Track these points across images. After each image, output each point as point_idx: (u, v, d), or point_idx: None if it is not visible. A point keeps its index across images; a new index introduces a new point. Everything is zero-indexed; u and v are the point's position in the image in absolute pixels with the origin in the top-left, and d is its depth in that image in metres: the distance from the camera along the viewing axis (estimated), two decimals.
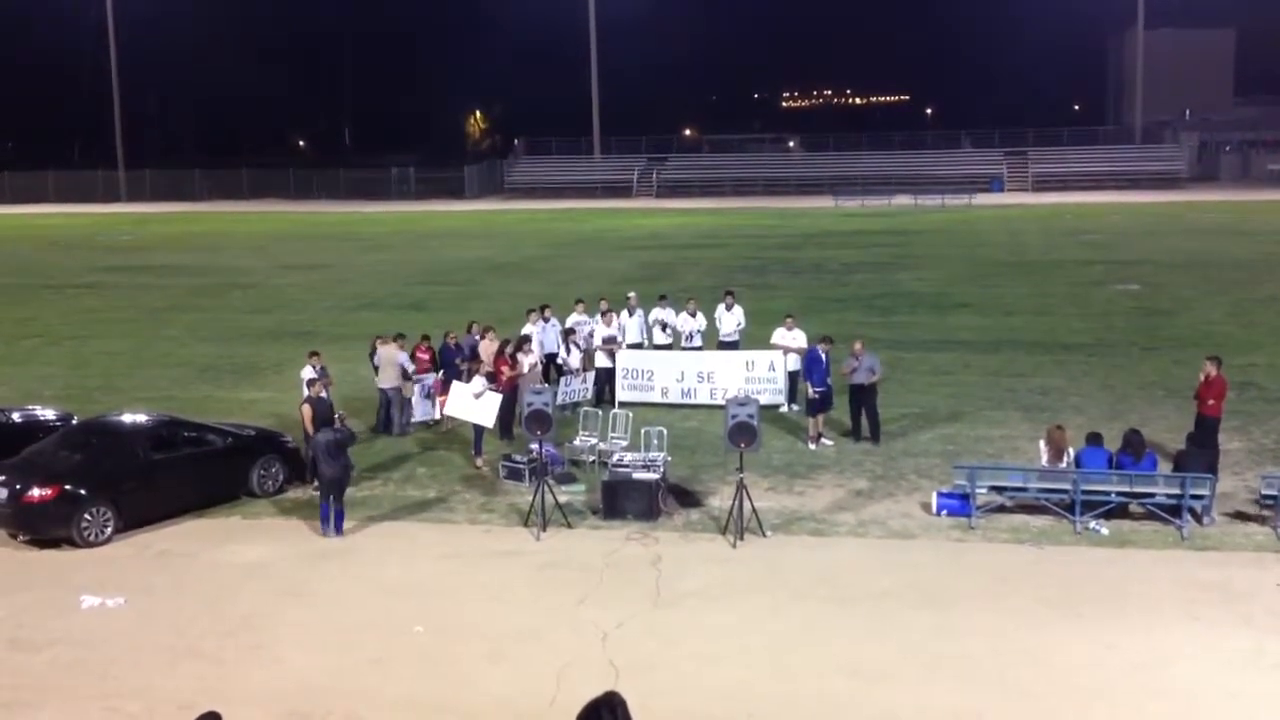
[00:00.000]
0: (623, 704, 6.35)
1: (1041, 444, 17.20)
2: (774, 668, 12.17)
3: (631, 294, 25.43)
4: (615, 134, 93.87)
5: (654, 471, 16.80)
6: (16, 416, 19.76)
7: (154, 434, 17.51)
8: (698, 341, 23.71)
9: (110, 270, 46.78)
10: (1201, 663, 12.08)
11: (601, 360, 22.68)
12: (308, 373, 19.74)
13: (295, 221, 71.40)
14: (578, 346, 22.48)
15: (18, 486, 15.86)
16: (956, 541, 15.62)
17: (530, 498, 16.53)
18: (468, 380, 19.83)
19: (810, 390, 19.97)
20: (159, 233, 64.96)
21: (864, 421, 20.03)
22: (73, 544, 15.88)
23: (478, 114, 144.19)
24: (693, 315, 23.79)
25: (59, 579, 14.96)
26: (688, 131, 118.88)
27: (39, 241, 61.23)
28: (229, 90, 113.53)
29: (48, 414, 20.11)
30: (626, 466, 17.02)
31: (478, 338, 21.86)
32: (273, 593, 14.41)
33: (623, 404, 21.51)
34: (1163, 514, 15.72)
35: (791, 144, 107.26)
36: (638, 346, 23.54)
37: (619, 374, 22.63)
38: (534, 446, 17.24)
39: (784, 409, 21.92)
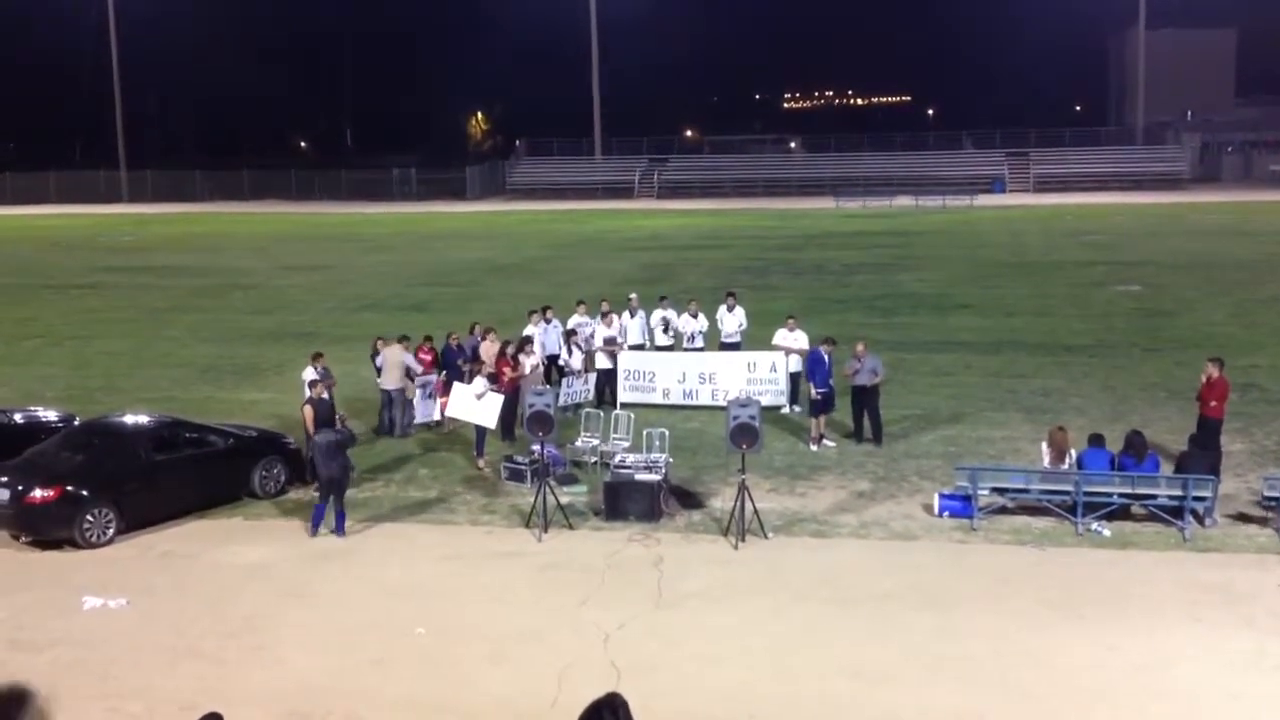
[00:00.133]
0: (624, 705, 6.34)
1: (1043, 445, 17.19)
2: (776, 669, 12.17)
3: (633, 295, 25.44)
4: (616, 135, 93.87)
5: (656, 473, 16.80)
6: (18, 417, 19.78)
7: (156, 435, 17.51)
8: (699, 343, 23.70)
9: (111, 271, 46.79)
10: (1203, 664, 12.07)
11: (601, 361, 22.68)
12: (309, 374, 19.75)
13: (296, 222, 71.41)
14: (579, 348, 22.47)
15: (20, 487, 15.87)
16: (958, 543, 15.62)
17: (532, 499, 16.53)
18: (469, 381, 19.83)
19: (813, 391, 19.97)
20: (160, 233, 64.98)
21: (866, 423, 20.03)
22: (74, 545, 15.89)
23: (479, 115, 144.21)
24: (694, 316, 23.78)
25: (61, 580, 14.97)
26: (689, 132, 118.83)
27: (40, 242, 61.26)
28: (229, 90, 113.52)
29: (49, 415, 20.12)
30: (628, 468, 17.01)
31: (479, 339, 21.86)
32: (274, 594, 14.41)
33: (624, 405, 21.50)
34: (1165, 515, 15.72)
35: (793, 145, 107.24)
36: (639, 348, 23.54)
37: (621, 375, 22.63)
38: (536, 448, 17.26)
39: (785, 410, 21.92)
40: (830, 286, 38.68)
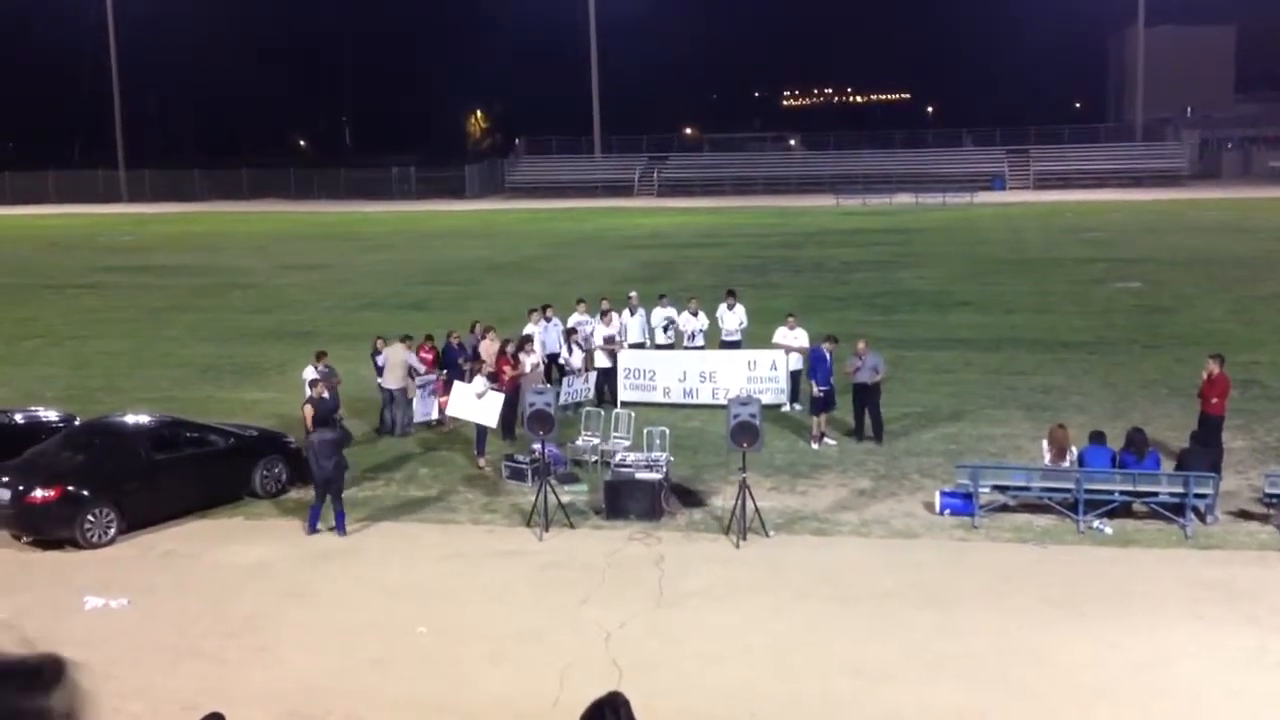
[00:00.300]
0: (626, 704, 6.34)
1: (1044, 443, 17.18)
2: (777, 667, 12.16)
3: (633, 293, 25.42)
4: (616, 133, 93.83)
5: (656, 471, 16.79)
6: (19, 417, 19.77)
7: (156, 435, 17.51)
8: (700, 341, 23.69)
9: (111, 270, 46.78)
10: (1205, 661, 12.06)
11: (601, 360, 22.67)
12: (309, 373, 19.75)
13: (295, 221, 71.39)
14: (579, 346, 22.46)
15: (20, 487, 15.86)
16: (959, 541, 15.61)
17: (533, 498, 16.52)
18: (470, 380, 19.83)
19: (814, 389, 19.96)
20: (159, 233, 64.97)
21: (867, 421, 20.02)
22: (75, 545, 15.89)
23: (478, 113, 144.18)
24: (694, 314, 23.77)
25: (62, 580, 14.97)
26: (688, 130, 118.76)
27: (39, 242, 61.25)
28: (229, 90, 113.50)
29: (50, 415, 20.11)
30: (629, 466, 17.00)
31: (479, 338, 21.85)
32: (275, 593, 14.41)
33: (625, 404, 21.50)
34: (1166, 513, 15.71)
35: (792, 142, 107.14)
36: (639, 346, 23.53)
37: (621, 374, 22.62)
38: (536, 446, 17.26)
39: (786, 408, 21.91)
40: (830, 284, 38.67)
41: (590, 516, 16.74)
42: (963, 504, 16.25)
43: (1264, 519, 15.83)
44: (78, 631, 13.38)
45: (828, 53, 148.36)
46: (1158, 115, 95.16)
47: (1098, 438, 16.82)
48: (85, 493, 16.01)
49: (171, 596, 14.37)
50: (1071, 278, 38.19)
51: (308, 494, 17.66)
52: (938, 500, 16.56)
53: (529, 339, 21.68)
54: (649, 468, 16.89)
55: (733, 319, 23.93)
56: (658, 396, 22.43)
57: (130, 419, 18.17)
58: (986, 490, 16.23)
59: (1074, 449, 16.76)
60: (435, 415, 21.37)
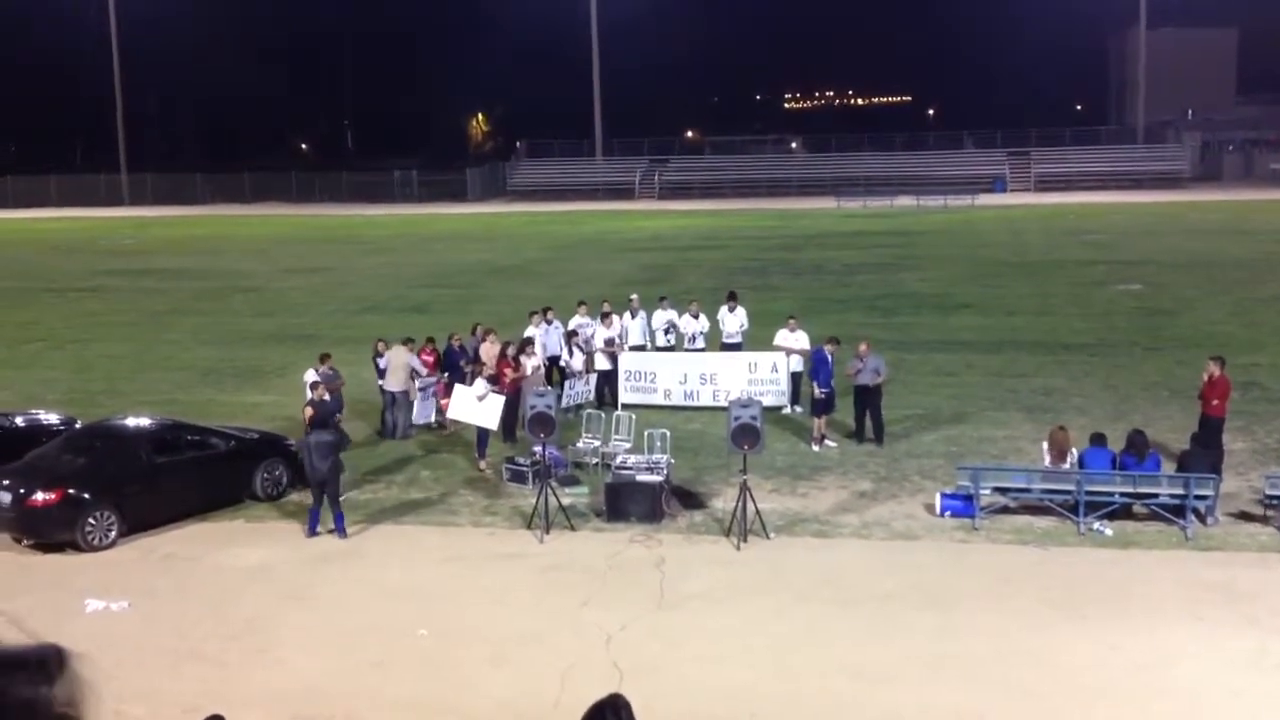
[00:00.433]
0: (627, 706, 6.33)
1: (1044, 445, 17.19)
2: (778, 669, 12.17)
3: (634, 296, 25.44)
4: (617, 136, 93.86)
5: (657, 474, 16.80)
6: (19, 421, 19.77)
7: (157, 438, 17.53)
8: (700, 343, 23.70)
9: (112, 274, 46.79)
10: (1205, 663, 12.07)
11: (601, 362, 22.67)
12: (310, 376, 19.76)
13: (297, 225, 71.43)
14: (580, 348, 22.47)
15: (21, 491, 15.87)
16: (960, 543, 15.62)
17: (533, 500, 16.52)
18: (471, 383, 19.84)
19: (815, 390, 19.96)
20: (161, 236, 65.00)
21: (867, 423, 20.02)
22: (76, 548, 15.90)
23: (480, 116, 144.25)
24: (695, 317, 23.78)
25: (62, 583, 14.98)
26: (690, 133, 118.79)
27: (41, 245, 61.29)
28: (229, 90, 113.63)
29: (51, 418, 20.11)
30: (630, 469, 17.01)
31: (480, 340, 21.86)
32: (276, 596, 14.42)
33: (626, 406, 21.50)
34: (1167, 514, 15.71)
35: (793, 145, 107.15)
36: (640, 348, 23.54)
37: (622, 376, 22.62)
38: (537, 449, 17.27)
39: (787, 410, 21.92)
40: (831, 286, 38.67)
41: (591, 519, 16.75)
42: (963, 506, 16.26)
43: (1264, 520, 15.83)
44: (79, 634, 13.37)
45: (829, 55, 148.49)
46: (1159, 117, 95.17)
47: (1098, 439, 16.82)
48: (86, 496, 16.02)
49: (172, 599, 14.38)
50: (1072, 280, 38.19)
51: (308, 497, 17.65)
52: (938, 502, 16.57)
53: (530, 341, 21.69)
54: (650, 470, 16.89)
55: (733, 321, 23.94)
56: (658, 399, 22.43)
57: (131, 422, 18.19)
58: (987, 492, 16.24)
59: (1074, 451, 16.77)
60: (434, 418, 21.40)
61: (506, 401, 19.30)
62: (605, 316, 23.32)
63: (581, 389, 21.81)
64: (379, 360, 21.43)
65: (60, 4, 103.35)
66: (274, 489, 17.95)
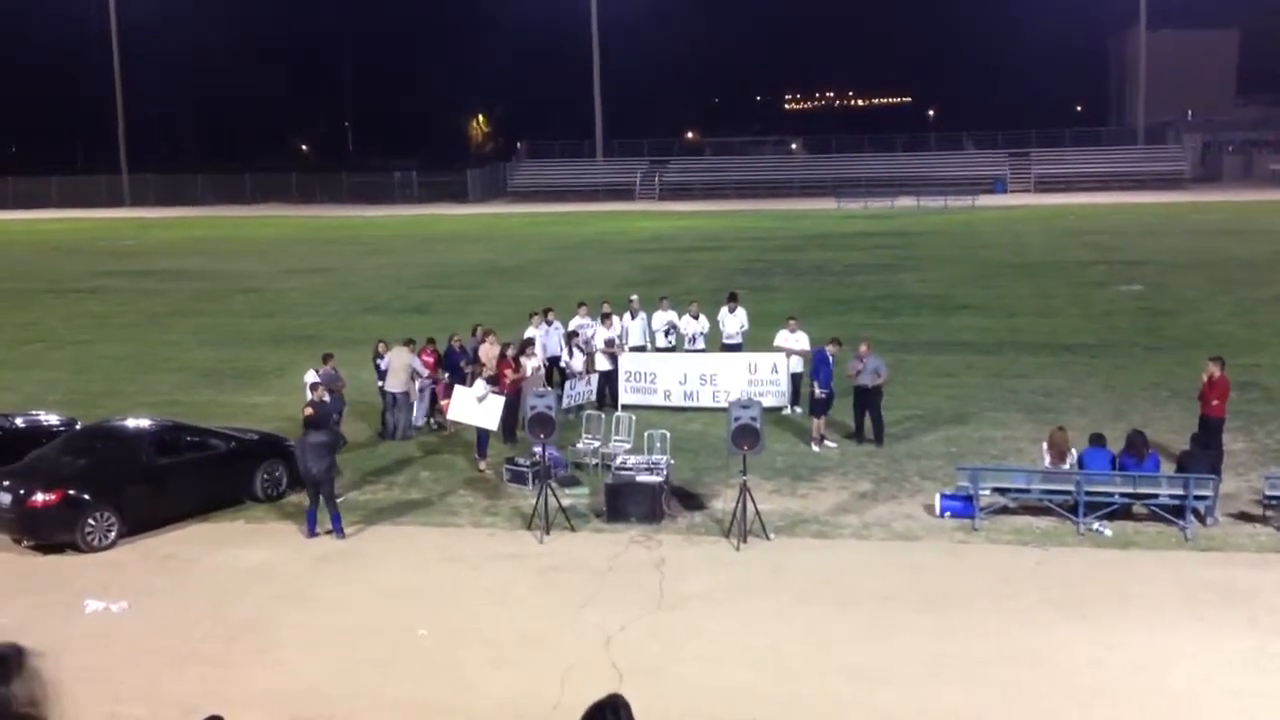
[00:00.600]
0: (626, 707, 6.34)
1: (1044, 445, 17.19)
2: (777, 670, 12.18)
3: (634, 296, 25.44)
4: (617, 137, 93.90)
5: (657, 474, 16.81)
6: (20, 422, 19.78)
7: (157, 439, 17.54)
8: (700, 344, 23.71)
9: (113, 275, 46.82)
10: (1204, 663, 12.07)
11: (602, 363, 22.68)
12: (310, 376, 19.76)
13: (297, 225, 71.45)
14: (581, 349, 22.48)
15: (22, 492, 15.88)
16: (960, 543, 15.62)
17: (533, 501, 16.53)
18: (471, 383, 19.85)
19: (816, 390, 19.96)
20: (161, 237, 65.03)
21: (867, 423, 20.02)
22: (76, 549, 15.91)
23: (480, 117, 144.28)
24: (695, 318, 23.79)
25: (62, 584, 14.99)
26: (690, 134, 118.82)
27: (42, 246, 61.32)
28: (229, 90, 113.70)
29: (51, 419, 20.12)
30: (630, 469, 17.02)
31: (480, 341, 21.87)
32: (276, 596, 14.42)
33: (626, 407, 21.50)
34: (1166, 515, 15.72)
35: (794, 146, 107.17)
36: (640, 349, 23.55)
37: (622, 377, 22.63)
38: (537, 449, 17.27)
39: (787, 411, 21.93)
40: (832, 287, 38.67)
41: (591, 519, 16.75)
42: (963, 506, 16.26)
43: (1264, 521, 15.84)
44: (78, 635, 13.40)
45: (829, 56, 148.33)
46: (1159, 118, 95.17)
47: (1098, 440, 16.83)
48: (86, 497, 16.03)
49: (172, 600, 14.39)
50: (1073, 280, 38.21)
51: (307, 498, 17.69)
52: (938, 503, 16.57)
53: (530, 342, 21.69)
54: (650, 471, 16.91)
55: (734, 322, 23.95)
56: (658, 399, 22.44)
57: (131, 423, 18.22)
58: (987, 493, 16.24)
59: (1074, 451, 16.77)
60: (426, 418, 21.51)
61: (506, 402, 19.30)
62: (605, 317, 23.32)
63: (582, 389, 21.82)
64: (379, 361, 21.43)
65: (60, 4, 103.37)
66: (274, 490, 17.95)
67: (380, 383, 21.49)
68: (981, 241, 51.37)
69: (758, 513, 15.77)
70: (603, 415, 20.16)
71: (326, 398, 18.53)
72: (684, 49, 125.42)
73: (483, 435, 19.28)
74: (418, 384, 21.26)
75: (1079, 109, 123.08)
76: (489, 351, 21.14)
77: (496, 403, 19.02)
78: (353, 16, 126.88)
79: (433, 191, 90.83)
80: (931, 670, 12.06)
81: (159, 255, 55.07)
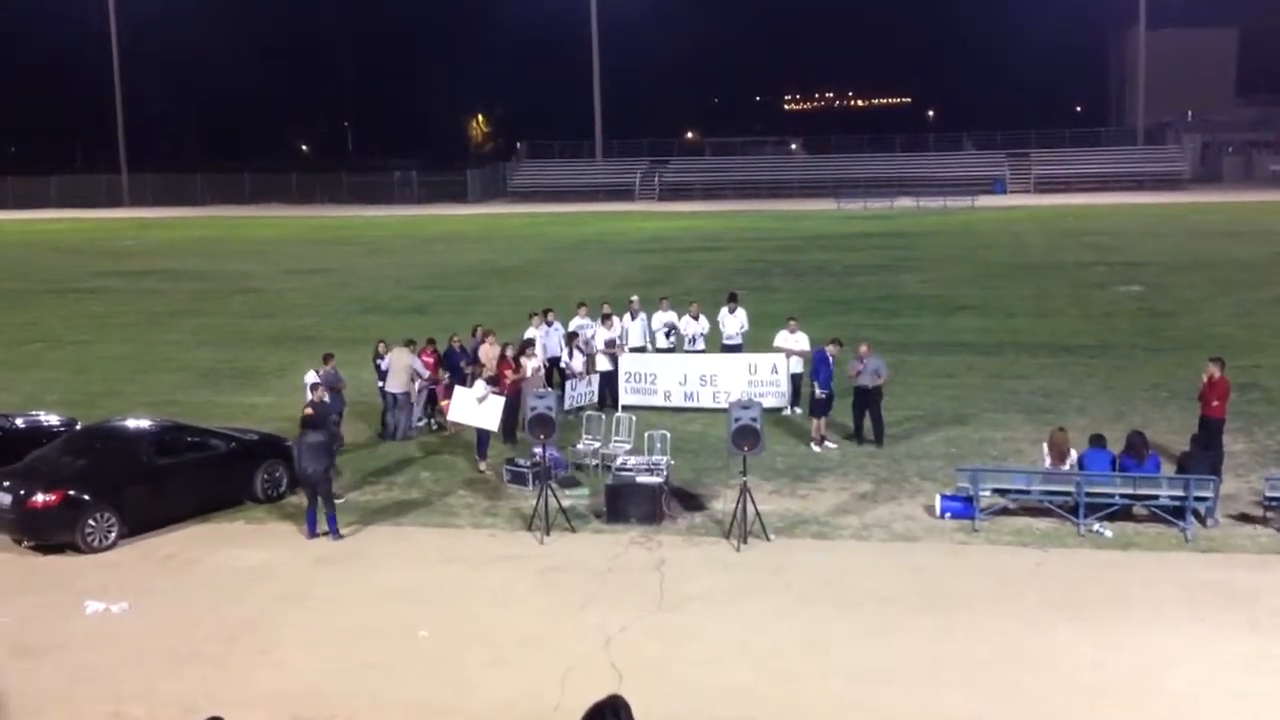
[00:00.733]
0: (626, 707, 6.36)
1: (1044, 446, 17.18)
2: (777, 671, 12.18)
3: (634, 297, 25.44)
4: (617, 137, 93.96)
5: (657, 475, 16.80)
6: (20, 422, 19.76)
7: (158, 439, 17.52)
8: (700, 345, 23.71)
9: (112, 275, 46.84)
10: (1205, 664, 12.07)
11: (602, 364, 22.68)
12: (311, 377, 19.76)
13: (297, 226, 71.46)
14: (581, 350, 22.48)
15: (22, 492, 15.87)
16: (960, 544, 15.62)
17: (534, 501, 16.52)
18: (471, 384, 19.85)
19: (816, 390, 19.96)
20: (161, 237, 65.04)
21: (867, 424, 20.02)
22: (77, 549, 15.89)
23: (480, 117, 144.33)
24: (695, 318, 23.79)
25: (63, 584, 14.98)
26: (690, 134, 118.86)
27: (41, 246, 61.34)
28: (229, 90, 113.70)
29: (51, 419, 20.10)
30: (630, 470, 17.02)
31: (479, 341, 21.87)
32: (276, 597, 14.42)
33: (626, 408, 21.49)
34: (1166, 516, 15.72)
35: (794, 146, 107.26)
36: (640, 350, 23.55)
37: (622, 377, 22.62)
38: (537, 450, 17.26)
39: (787, 412, 21.93)
40: (832, 288, 38.69)
41: (591, 520, 16.75)
42: (963, 507, 16.26)
43: (1264, 522, 15.83)
44: (78, 636, 13.41)
45: (829, 56, 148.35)
46: (1159, 118, 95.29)
47: (1098, 441, 16.82)
48: (86, 497, 16.01)
49: (172, 600, 14.39)
50: (1073, 281, 38.22)
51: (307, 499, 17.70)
52: (938, 504, 16.56)
53: (530, 343, 21.69)
54: (650, 471, 16.90)
55: (734, 323, 23.95)
56: (658, 400, 22.44)
57: (131, 423, 18.20)
58: (987, 493, 16.24)
59: (1074, 452, 16.77)
60: (422, 419, 21.58)
61: (506, 403, 19.30)
62: (605, 318, 23.32)
63: (584, 391, 21.82)
64: (380, 362, 21.43)
65: (60, 4, 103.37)
66: (274, 490, 17.94)
67: (380, 383, 21.48)
68: (981, 242, 51.40)
69: (758, 513, 15.76)
70: (603, 416, 20.16)
71: (327, 398, 18.52)
72: (684, 49, 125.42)
73: (483, 436, 19.28)
74: (417, 385, 21.25)
75: (1078, 109, 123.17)
76: (489, 352, 21.13)
77: (496, 403, 19.02)
78: (353, 16, 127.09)
79: (432, 191, 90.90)
80: (931, 671, 12.06)
81: (158, 255, 55.08)
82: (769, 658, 12.46)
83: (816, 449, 19.82)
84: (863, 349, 20.13)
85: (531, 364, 20.80)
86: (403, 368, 20.93)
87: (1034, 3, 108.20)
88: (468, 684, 12.13)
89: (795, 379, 22.05)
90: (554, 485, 16.85)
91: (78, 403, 23.51)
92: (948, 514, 16.38)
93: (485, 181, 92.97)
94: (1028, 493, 16.30)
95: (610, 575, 14.72)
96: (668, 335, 23.93)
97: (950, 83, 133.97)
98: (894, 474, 18.49)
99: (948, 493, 16.67)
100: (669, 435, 18.63)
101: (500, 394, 19.38)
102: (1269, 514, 15.83)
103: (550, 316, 23.34)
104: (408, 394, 21.14)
